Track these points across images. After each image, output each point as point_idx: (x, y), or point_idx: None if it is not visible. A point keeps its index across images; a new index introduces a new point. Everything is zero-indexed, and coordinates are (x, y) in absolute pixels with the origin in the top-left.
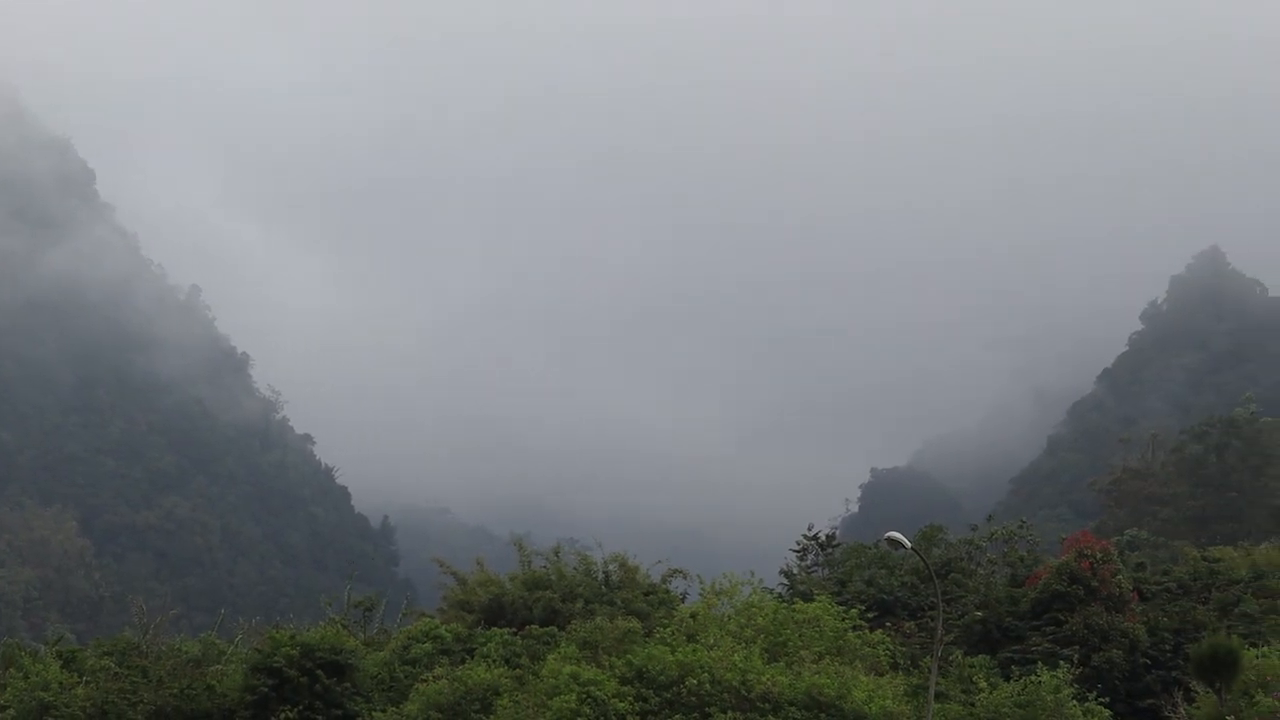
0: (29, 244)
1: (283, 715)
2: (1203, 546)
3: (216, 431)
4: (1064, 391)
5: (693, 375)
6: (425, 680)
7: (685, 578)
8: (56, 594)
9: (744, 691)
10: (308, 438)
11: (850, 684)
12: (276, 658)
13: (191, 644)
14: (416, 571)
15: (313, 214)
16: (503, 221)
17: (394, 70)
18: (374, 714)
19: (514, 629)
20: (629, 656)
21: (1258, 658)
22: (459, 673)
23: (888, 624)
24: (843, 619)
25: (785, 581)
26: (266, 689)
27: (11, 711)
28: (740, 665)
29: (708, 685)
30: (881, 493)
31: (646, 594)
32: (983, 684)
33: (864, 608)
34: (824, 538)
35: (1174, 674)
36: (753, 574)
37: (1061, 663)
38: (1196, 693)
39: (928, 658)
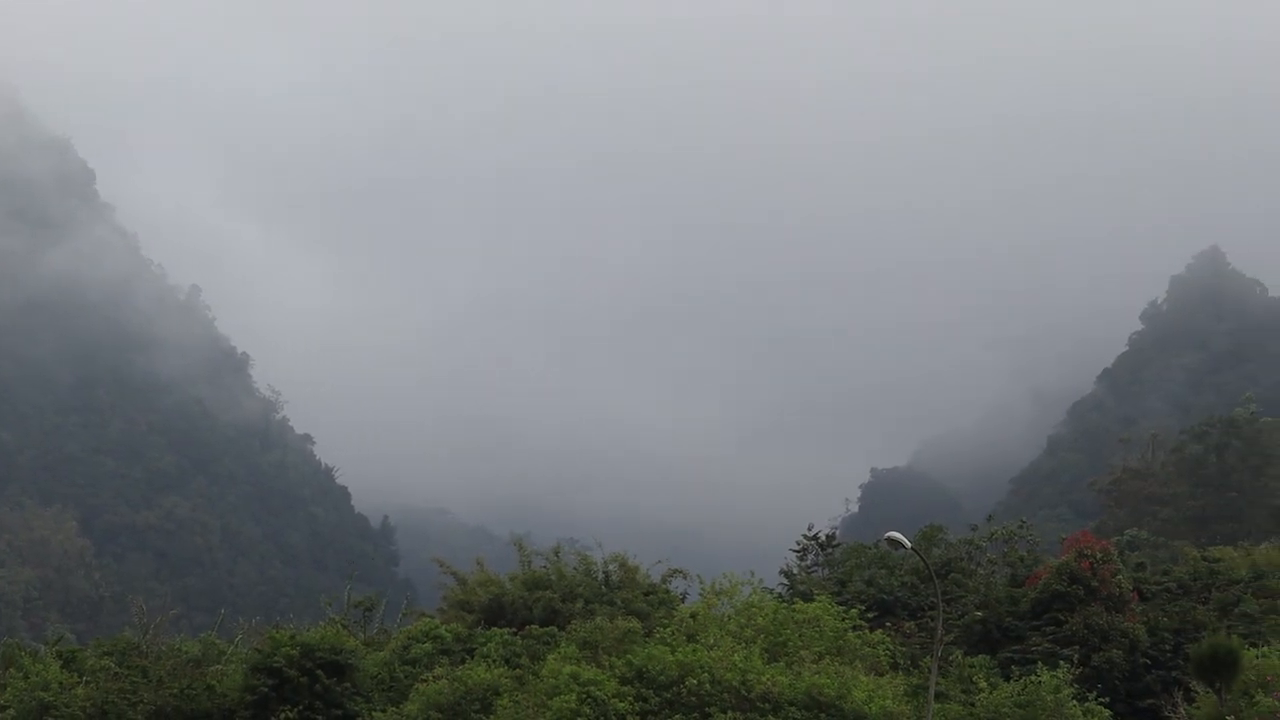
0: (29, 244)
1: (283, 715)
2: (1203, 546)
3: (216, 431)
4: (1064, 391)
5: (692, 375)
6: (425, 680)
7: (685, 578)
8: (56, 594)
9: (744, 691)
10: (308, 438)
11: (850, 684)
12: (276, 658)
13: (191, 644)
14: (416, 571)
15: (313, 214)
16: (503, 221)
17: (394, 70)
18: (374, 714)
19: (514, 629)
20: (629, 656)
21: (1258, 658)
22: (459, 673)
23: (888, 624)
24: (843, 619)
25: (785, 581)
26: (266, 689)
27: (11, 711)
28: (740, 665)
29: (708, 685)
30: (881, 493)
31: (646, 594)
32: (983, 684)
33: (864, 608)
34: (824, 538)
35: (1174, 674)
36: (753, 574)
37: (1061, 663)
38: (1196, 693)
39: (928, 658)
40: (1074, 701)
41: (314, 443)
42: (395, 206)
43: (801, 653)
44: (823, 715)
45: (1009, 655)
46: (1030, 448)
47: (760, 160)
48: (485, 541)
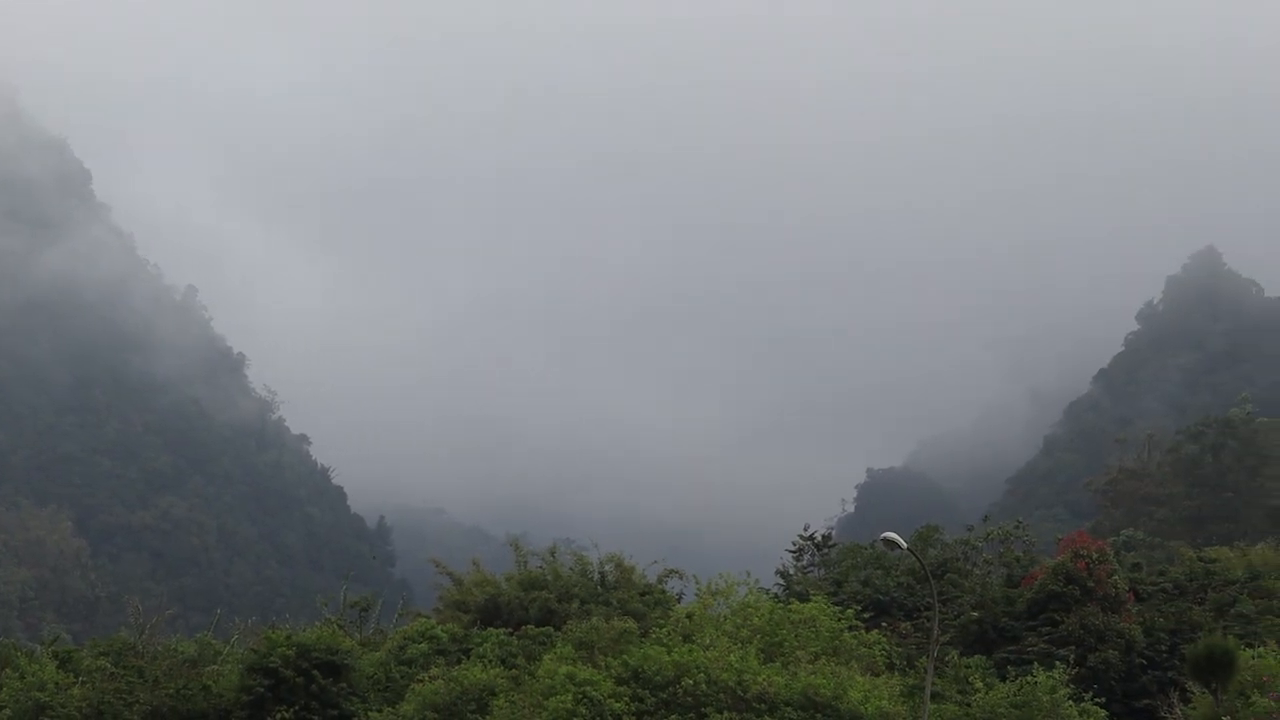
0: (25, 244)
1: (279, 715)
2: (1199, 547)
3: (212, 431)
4: (1060, 392)
5: (690, 375)
6: (421, 680)
7: (681, 578)
8: (52, 594)
9: (740, 692)
10: (304, 438)
11: (846, 684)
12: (272, 658)
13: (187, 644)
14: (412, 572)
15: (310, 214)
16: (502, 221)
17: (394, 70)
18: (370, 714)
19: (510, 629)
20: (625, 657)
21: (1254, 658)
22: (455, 673)
23: (884, 624)
24: (839, 619)
25: (781, 582)
26: (262, 689)
27: (7, 712)
28: (736, 665)
29: (704, 685)
30: (877, 493)
31: (642, 594)
32: (979, 684)
33: (860, 608)
34: (820, 538)
35: (1170, 674)
36: (749, 574)
37: (1057, 663)
38: (1192, 693)
39: (924, 658)
40: (1070, 702)
41: (310, 443)
42: (394, 206)
43: (797, 653)
44: (818, 715)
45: (1005, 655)
46: (1027, 448)
47: (760, 160)
48: (481, 542)
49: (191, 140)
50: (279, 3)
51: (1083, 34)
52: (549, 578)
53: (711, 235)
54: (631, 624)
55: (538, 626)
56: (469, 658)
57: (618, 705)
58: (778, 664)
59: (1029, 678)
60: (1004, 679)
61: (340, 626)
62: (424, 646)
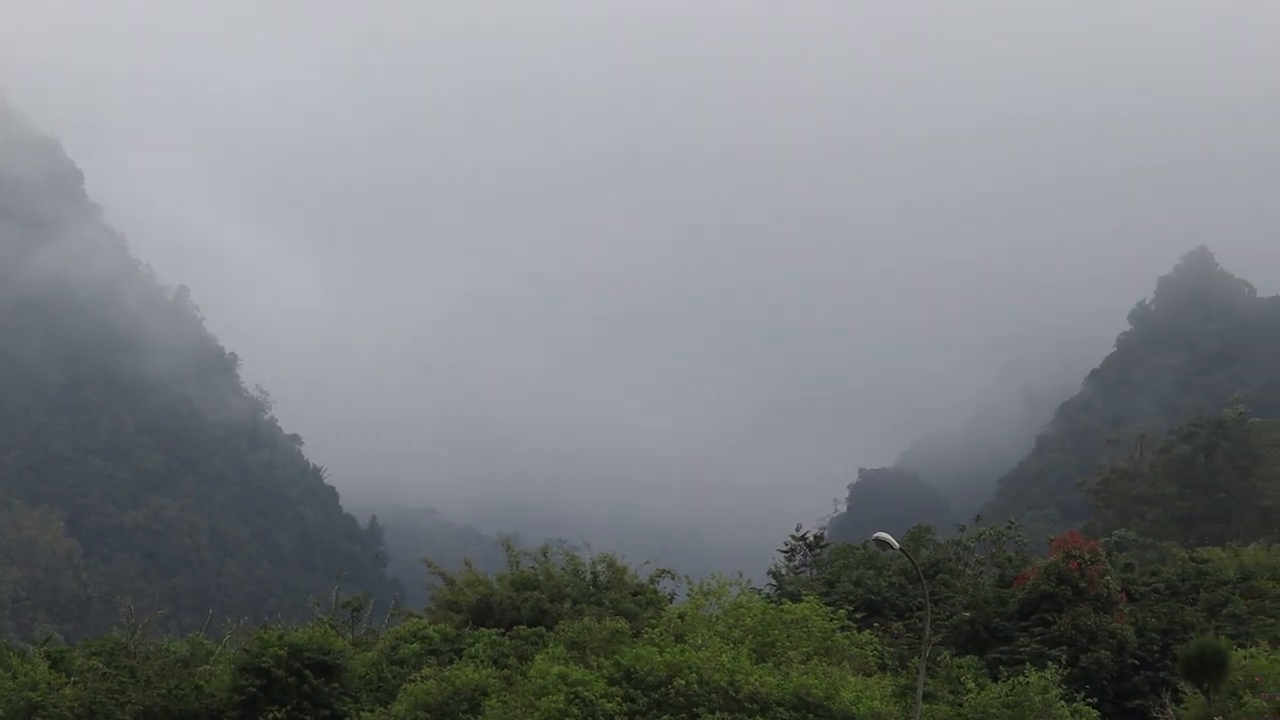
0: (17, 244)
1: (270, 715)
2: (1191, 547)
3: (204, 432)
4: (1052, 392)
5: (684, 376)
6: (413, 680)
7: (673, 578)
8: (44, 594)
9: (732, 692)
10: (296, 438)
11: (838, 684)
12: (264, 658)
13: (179, 644)
14: (404, 572)
15: (304, 214)
16: (499, 221)
17: (392, 70)
18: (362, 714)
19: (502, 629)
20: (617, 657)
21: (1246, 658)
22: (447, 673)
23: (876, 624)
24: (831, 619)
25: (773, 582)
26: (254, 689)
27: None
28: (728, 666)
29: (695, 686)
30: (869, 493)
31: (634, 594)
32: (971, 685)
33: (852, 608)
34: (812, 538)
35: (1162, 675)
36: (741, 574)
37: (1049, 663)
38: (1184, 694)
39: (916, 658)
40: (1062, 702)
41: (302, 443)
42: (390, 206)
43: (789, 653)
44: (810, 716)
45: (997, 656)
46: (1019, 448)
47: (760, 160)
48: (473, 542)
49: (188, 140)
50: (277, 3)
51: (1083, 34)
52: (541, 578)
53: (711, 235)
54: (624, 624)
55: (530, 626)
56: (461, 658)
57: (610, 705)
58: (770, 664)
59: (1021, 678)
60: (996, 679)
61: (332, 626)
62: (416, 646)
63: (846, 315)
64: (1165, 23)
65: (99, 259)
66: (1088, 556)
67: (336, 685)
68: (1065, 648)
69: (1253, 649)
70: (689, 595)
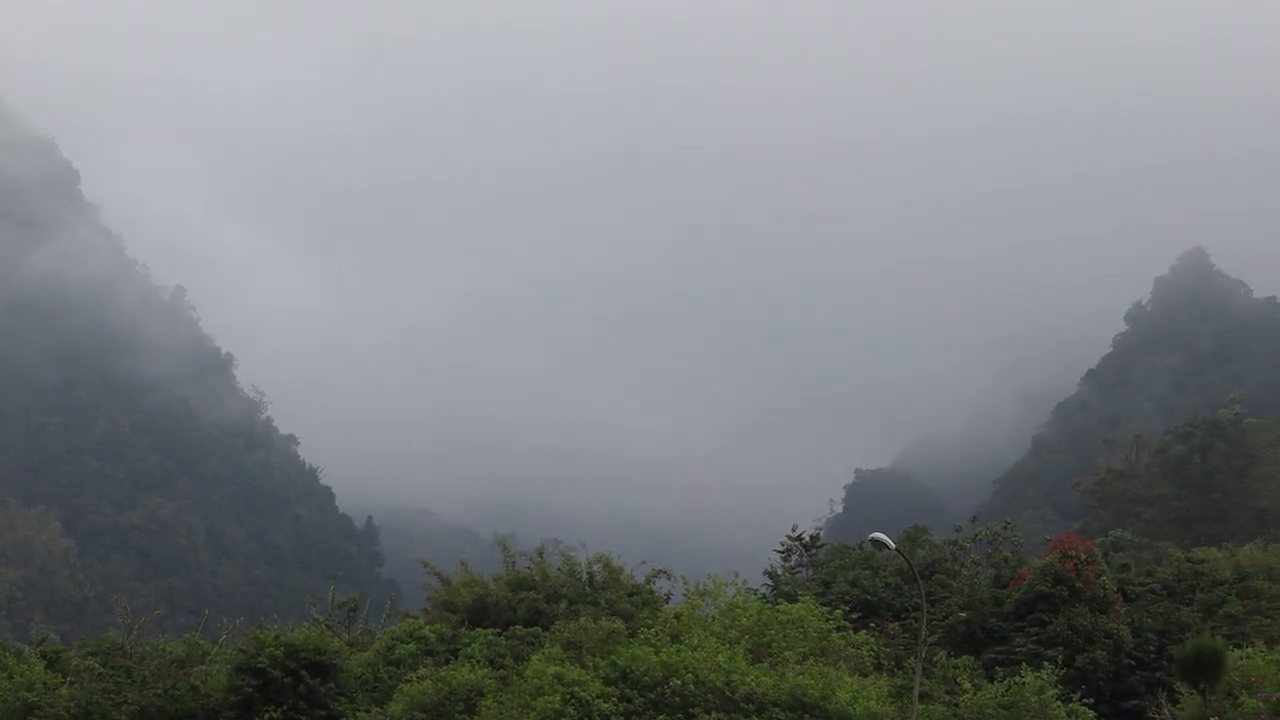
0: (13, 244)
1: (267, 716)
2: (1187, 548)
3: (201, 432)
4: (1049, 392)
5: (683, 376)
6: (409, 681)
7: (669, 578)
8: (40, 594)
9: (728, 692)
10: (292, 438)
11: (834, 685)
12: (260, 658)
13: (176, 644)
14: (401, 572)
15: (301, 214)
16: (498, 221)
17: (392, 70)
18: (358, 714)
19: (498, 629)
20: (613, 657)
21: (1242, 659)
22: (443, 673)
23: (872, 625)
24: (827, 620)
25: (769, 582)
26: (250, 689)
27: None
28: (724, 666)
29: (692, 686)
30: (866, 494)
31: (631, 594)
32: (967, 685)
33: (848, 608)
34: (808, 538)
35: (1158, 675)
36: (737, 575)
37: (1045, 664)
38: (1181, 694)
39: (912, 658)
40: (1058, 703)
41: (298, 443)
42: (390, 207)
43: (785, 653)
44: (807, 716)
45: (993, 656)
46: (1015, 448)
47: (760, 160)
48: (470, 542)
49: (187, 140)
50: (277, 3)
51: (1083, 34)
52: (537, 578)
53: (711, 235)
54: (619, 624)
55: (526, 627)
56: (457, 658)
57: (606, 706)
58: (766, 664)
59: (1017, 678)
60: (992, 680)
61: (328, 627)
62: (412, 647)
63: (846, 315)
64: (1165, 23)
65: (95, 259)
66: (1084, 557)
67: (332, 685)
68: (1061, 648)
69: (1249, 649)
70: (685, 595)
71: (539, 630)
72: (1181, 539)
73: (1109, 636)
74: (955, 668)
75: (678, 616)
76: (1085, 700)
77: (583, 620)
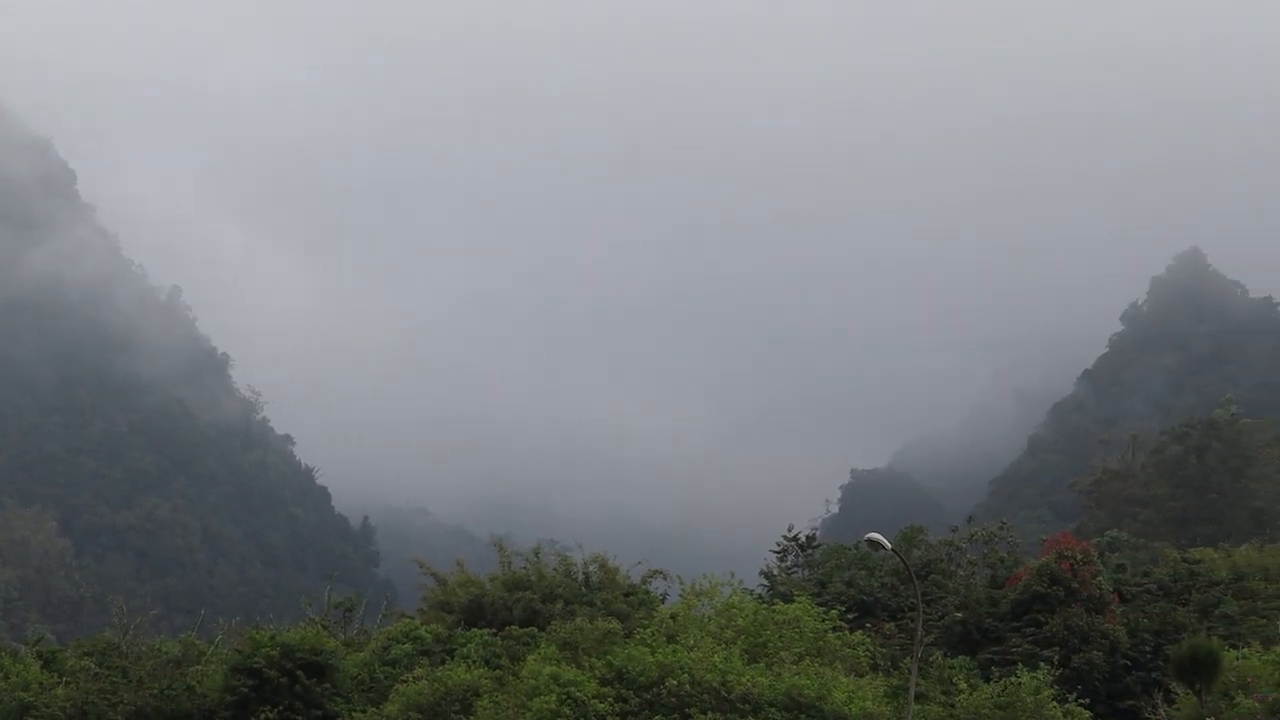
0: (9, 244)
1: (263, 716)
2: (1183, 548)
3: (197, 432)
4: (1045, 392)
5: (681, 376)
6: (405, 681)
7: (665, 578)
8: (36, 594)
9: (724, 692)
10: (288, 438)
11: (830, 685)
12: (256, 658)
13: (171, 644)
14: (396, 572)
15: (302, 214)
16: (497, 221)
17: (392, 70)
18: (354, 715)
19: (494, 630)
20: (609, 657)
21: (1238, 659)
22: (439, 673)
23: (868, 625)
24: (823, 620)
25: (765, 582)
26: (246, 689)
27: None
28: (720, 666)
29: (688, 686)
30: (862, 494)
31: (626, 595)
32: (963, 685)
33: (844, 609)
34: (804, 539)
35: (1154, 675)
36: (733, 575)
37: (1041, 664)
38: (1177, 694)
39: (908, 659)
40: (1054, 703)
41: (294, 443)
42: (390, 207)
43: (781, 654)
44: (803, 716)
45: (989, 656)
46: (1011, 449)
47: (760, 160)
48: (465, 542)
49: (187, 140)
50: (277, 3)
51: (1083, 34)
52: (533, 578)
53: (711, 235)
54: (616, 624)
55: (522, 627)
56: (453, 658)
57: (602, 706)
58: (762, 665)
59: (1013, 679)
60: (988, 680)
61: (324, 627)
62: (408, 647)
63: (846, 315)
64: (1165, 23)
65: (91, 259)
66: (1080, 557)
67: (328, 686)
68: (1057, 648)
69: (1245, 649)
70: (681, 596)
71: (535, 630)
72: (1178, 539)
73: (1105, 637)
74: (951, 668)
75: (674, 617)
76: (1081, 700)
77: (579, 620)
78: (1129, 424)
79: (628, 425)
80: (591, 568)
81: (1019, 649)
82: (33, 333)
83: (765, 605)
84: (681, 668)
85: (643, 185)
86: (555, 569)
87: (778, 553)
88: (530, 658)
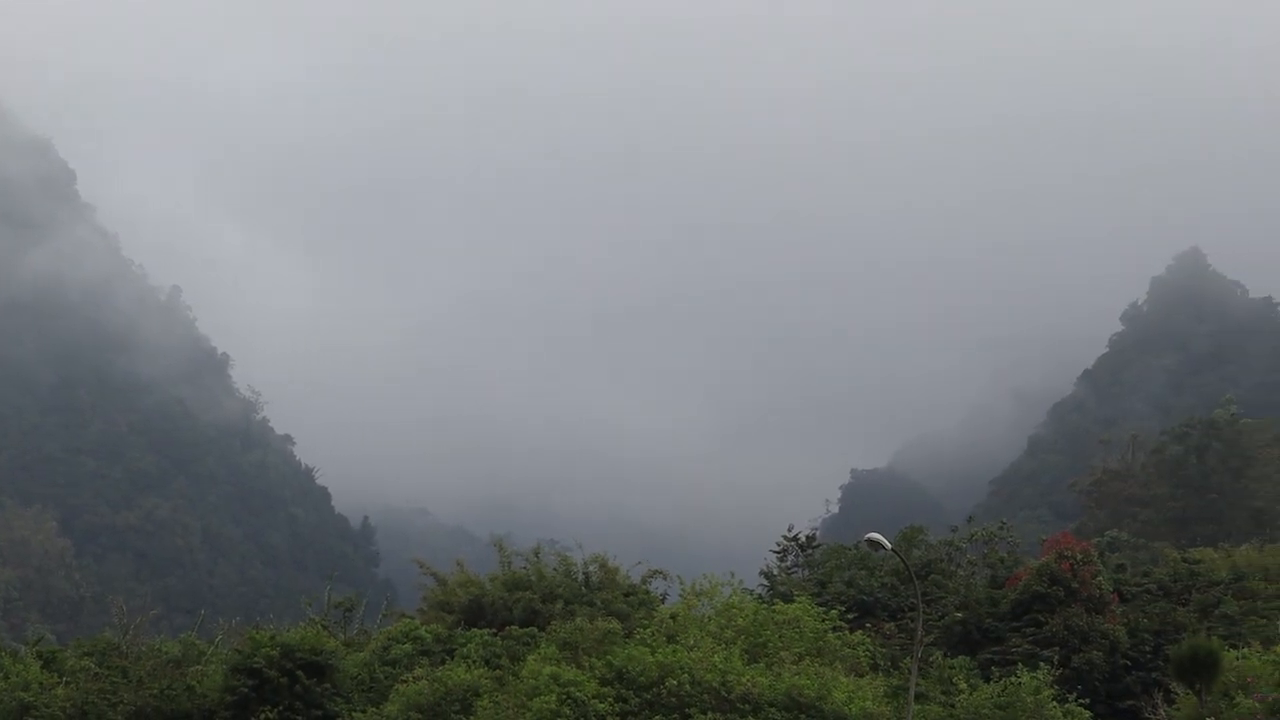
0: (9, 244)
1: (263, 716)
2: (1183, 548)
3: (197, 432)
4: (1045, 392)
5: (681, 376)
6: (405, 681)
7: (665, 578)
8: (36, 594)
9: (724, 692)
10: (288, 438)
11: (830, 685)
12: (256, 658)
13: (171, 644)
14: (396, 572)
15: (302, 214)
16: (499, 221)
17: (391, 70)
18: (354, 715)
19: (494, 630)
20: (609, 657)
21: (1238, 659)
22: (439, 673)
23: (868, 625)
24: (823, 620)
25: (765, 582)
26: (246, 689)
27: None
28: (720, 666)
29: (688, 686)
30: (861, 494)
31: (626, 595)
32: (963, 685)
33: (844, 609)
34: (804, 539)
35: (1154, 675)
36: (733, 575)
37: (1041, 664)
38: (1177, 694)
39: (908, 659)
40: (1054, 703)
41: (294, 443)
42: (390, 207)
43: (781, 654)
44: (803, 716)
45: (989, 656)
46: (1011, 449)
47: (760, 160)
48: (465, 542)
49: (187, 140)
50: (277, 3)
51: (1083, 34)
52: (533, 578)
53: (711, 235)
54: (615, 624)
55: (522, 627)
56: (453, 658)
57: (602, 706)
58: (762, 665)
59: (1013, 679)
60: (988, 680)
61: (324, 627)
62: (408, 647)
63: (846, 315)
64: (1165, 23)
65: (91, 259)
66: (1080, 557)
67: (328, 686)
68: (1057, 648)
69: (1245, 649)
70: (681, 596)
71: (535, 630)
72: (1178, 539)
73: (1105, 637)
74: (951, 668)
75: (674, 617)
76: (1081, 700)
77: (579, 620)
78: (1129, 424)
79: (628, 425)
80: (591, 568)
81: (1019, 649)
82: (32, 333)
83: (765, 605)
84: (681, 668)
85: (643, 185)
86: (555, 569)
87: (778, 553)
88: (530, 658)
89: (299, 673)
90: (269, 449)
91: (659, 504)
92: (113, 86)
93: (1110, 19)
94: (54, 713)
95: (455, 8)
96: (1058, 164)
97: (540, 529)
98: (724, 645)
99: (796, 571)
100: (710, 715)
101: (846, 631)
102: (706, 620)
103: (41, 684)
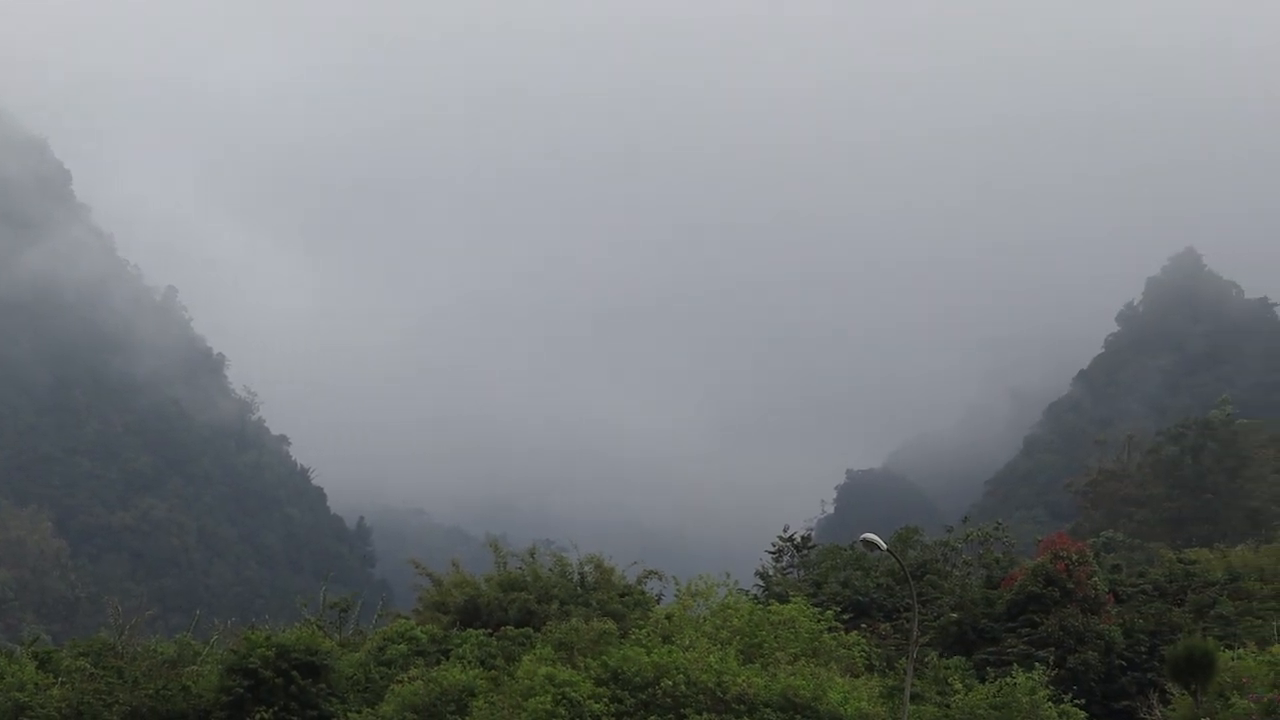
0: (4, 244)
1: (258, 716)
2: (1179, 548)
3: (192, 432)
4: (1041, 392)
5: (681, 376)
6: (401, 681)
7: (661, 579)
8: (32, 594)
9: (719, 693)
10: (284, 438)
11: (826, 685)
12: (252, 659)
13: (167, 645)
14: (392, 573)
15: (302, 214)
16: (499, 221)
17: (391, 70)
18: (349, 715)
19: (489, 630)
20: (604, 658)
21: (1233, 659)
22: (434, 674)
23: (863, 625)
24: (818, 620)
25: (761, 583)
26: (242, 690)
27: None
28: (716, 666)
29: (683, 686)
30: (857, 494)
31: (622, 595)
32: (958, 685)
33: (839, 609)
34: (799, 539)
35: (1150, 676)
36: (728, 575)
37: (1037, 664)
38: (1172, 695)
39: (903, 659)
40: (1049, 703)
41: (290, 443)
42: (390, 207)
43: (777, 654)
44: (798, 717)
45: (984, 657)
46: (1006, 449)
47: (760, 160)
48: (461, 543)
49: (187, 140)
50: (277, 3)
51: (1083, 34)
52: (528, 579)
53: (711, 235)
54: (611, 625)
55: (517, 627)
56: (448, 659)
57: (597, 706)
58: (757, 665)
59: (1008, 679)
60: (983, 680)
61: (320, 627)
62: (403, 647)
63: (846, 315)
64: (1165, 23)
65: (87, 259)
66: (1075, 557)
67: (324, 686)
68: (1053, 649)
69: (1240, 650)
70: (676, 596)
71: (530, 631)
72: (1173, 540)
73: (1100, 637)
74: (947, 668)
75: (669, 617)
76: (1077, 701)
77: (574, 621)
78: (1125, 424)
79: (627, 425)
80: (587, 568)
81: (1014, 649)
82: (28, 333)
83: (761, 606)
84: (677, 668)
85: (643, 185)
86: (551, 569)
87: (773, 553)
88: (525, 658)
89: (294, 673)
90: (264, 449)
91: (658, 504)
92: (112, 86)
93: (1110, 19)
94: (49, 713)
95: (455, 8)
96: (1057, 164)
97: (539, 529)
98: (719, 646)
99: (792, 572)
100: (705, 716)
101: (842, 632)
102: (702, 621)
103: (37, 684)
